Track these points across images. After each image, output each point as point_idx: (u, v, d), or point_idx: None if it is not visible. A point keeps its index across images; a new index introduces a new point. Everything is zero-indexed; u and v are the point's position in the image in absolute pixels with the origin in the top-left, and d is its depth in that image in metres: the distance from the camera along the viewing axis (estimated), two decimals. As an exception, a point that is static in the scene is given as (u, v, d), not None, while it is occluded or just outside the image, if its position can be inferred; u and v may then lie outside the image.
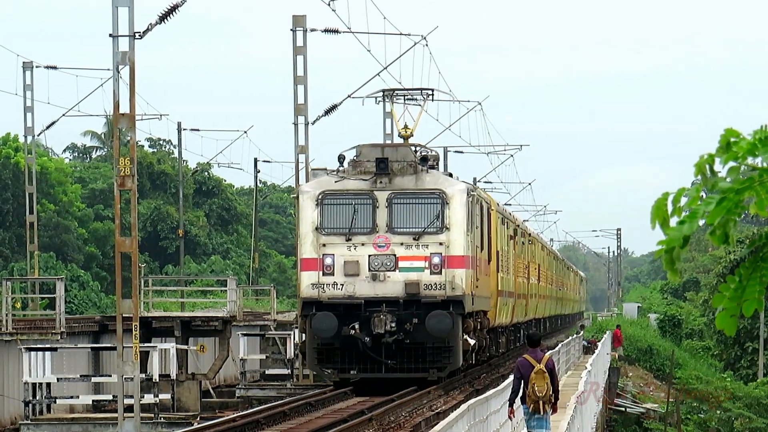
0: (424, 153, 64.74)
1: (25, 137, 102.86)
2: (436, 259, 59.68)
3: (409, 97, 67.03)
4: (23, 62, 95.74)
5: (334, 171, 60.05)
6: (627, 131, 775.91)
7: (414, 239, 59.83)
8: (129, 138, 50.45)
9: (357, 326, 58.59)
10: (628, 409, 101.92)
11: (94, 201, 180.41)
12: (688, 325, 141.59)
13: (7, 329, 62.97)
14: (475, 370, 69.62)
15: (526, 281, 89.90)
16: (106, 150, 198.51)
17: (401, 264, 60.05)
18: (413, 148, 63.21)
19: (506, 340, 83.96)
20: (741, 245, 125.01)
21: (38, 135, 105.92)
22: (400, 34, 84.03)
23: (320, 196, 59.78)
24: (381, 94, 66.56)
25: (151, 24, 50.76)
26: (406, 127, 63.24)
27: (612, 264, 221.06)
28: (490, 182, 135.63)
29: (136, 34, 49.31)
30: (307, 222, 60.28)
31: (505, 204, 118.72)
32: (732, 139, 10.03)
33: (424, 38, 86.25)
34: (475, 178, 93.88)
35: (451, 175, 63.69)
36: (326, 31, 73.30)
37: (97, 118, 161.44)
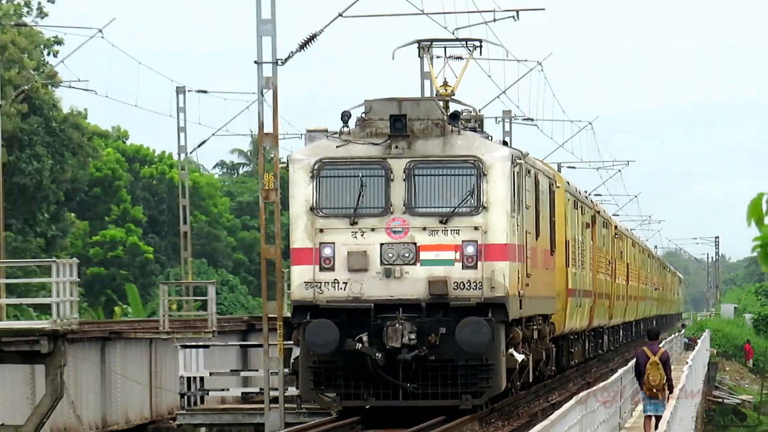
0: (457, 109, 42.03)
1: (179, 155, 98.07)
2: (470, 249, 38.74)
3: (452, 48, 46.90)
4: (177, 87, 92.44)
5: (336, 133, 39.75)
6: (729, 150, 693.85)
7: (441, 222, 38.83)
8: (272, 155, 47.94)
9: (365, 338, 38.01)
10: (725, 401, 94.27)
11: (241, 212, 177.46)
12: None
13: (164, 328, 62.80)
14: (535, 389, 50.13)
15: (610, 279, 70.33)
16: (251, 166, 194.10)
17: (424, 255, 38.89)
18: (441, 103, 41.07)
19: (582, 348, 62.36)
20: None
21: (190, 153, 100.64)
22: (518, 60, 76.32)
23: (317, 166, 38.99)
24: (417, 45, 46.56)
25: (292, 52, 49.71)
26: (445, 84, 42.96)
27: (710, 268, 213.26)
28: (600, 195, 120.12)
29: (279, 61, 48.02)
30: (300, 200, 39.24)
31: (614, 215, 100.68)
32: None
33: (540, 64, 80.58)
34: (585, 191, 71.98)
35: (482, 126, 42.89)
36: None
37: (243, 137, 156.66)
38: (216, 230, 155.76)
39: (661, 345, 39.60)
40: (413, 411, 36.37)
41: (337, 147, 37.13)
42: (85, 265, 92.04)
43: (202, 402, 52.11)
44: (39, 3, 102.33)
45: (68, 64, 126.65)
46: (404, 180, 37.00)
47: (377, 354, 36.33)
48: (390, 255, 37.03)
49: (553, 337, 46.94)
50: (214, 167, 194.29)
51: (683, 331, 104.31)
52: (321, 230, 37.12)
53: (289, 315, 48.49)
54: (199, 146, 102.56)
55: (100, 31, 71.29)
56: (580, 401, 31.54)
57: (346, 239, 36.92)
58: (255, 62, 47.39)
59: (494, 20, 58.87)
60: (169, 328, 63.84)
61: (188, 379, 51.81)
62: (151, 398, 62.69)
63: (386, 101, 37.50)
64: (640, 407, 41.14)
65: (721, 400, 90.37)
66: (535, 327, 42.38)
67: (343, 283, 36.95)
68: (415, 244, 37.04)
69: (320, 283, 36.92)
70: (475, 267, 36.94)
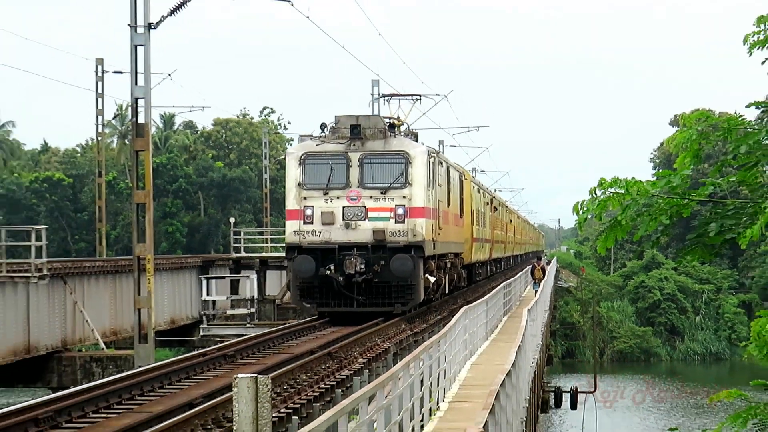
0: (393, 122, 28.76)
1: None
2: (400, 210, 26.65)
3: (402, 99, 33.75)
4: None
5: (317, 137, 27.68)
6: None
7: (381, 193, 26.76)
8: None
9: (332, 267, 26.33)
10: (562, 285, 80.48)
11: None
12: (585, 255, 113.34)
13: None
14: (447, 299, 35.06)
15: (503, 233, 58.80)
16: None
17: (370, 214, 26.69)
18: (384, 119, 28.56)
19: (485, 270, 50.58)
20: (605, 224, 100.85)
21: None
22: (479, 147, 57.74)
23: (302, 157, 27.08)
24: (382, 97, 34.63)
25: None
26: (398, 118, 30.68)
27: (557, 231, 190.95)
28: (511, 201, 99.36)
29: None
30: (292, 179, 27.21)
31: (516, 209, 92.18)
32: (602, 182, 9.39)
33: (487, 149, 76.33)
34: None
35: (417, 139, 30.02)
36: None
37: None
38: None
39: (541, 261, 40.25)
40: (363, 315, 26.83)
41: (316, 145, 27.33)
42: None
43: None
44: (284, 125, 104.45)
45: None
46: (359, 166, 26.85)
47: (340, 277, 26.44)
48: (349, 214, 26.71)
49: (464, 265, 38.47)
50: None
51: (543, 257, 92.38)
52: (305, 198, 26.92)
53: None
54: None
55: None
56: (503, 286, 29.03)
57: (321, 204, 26.84)
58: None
59: (469, 130, 53.24)
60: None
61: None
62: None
63: (349, 116, 27.63)
64: (529, 287, 39.80)
65: (561, 285, 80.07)
66: (448, 260, 33.34)
67: (318, 231, 26.65)
68: (365, 207, 26.77)
69: (303, 231, 26.69)
70: (403, 222, 26.70)
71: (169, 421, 12.54)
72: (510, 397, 14.48)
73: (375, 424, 10.14)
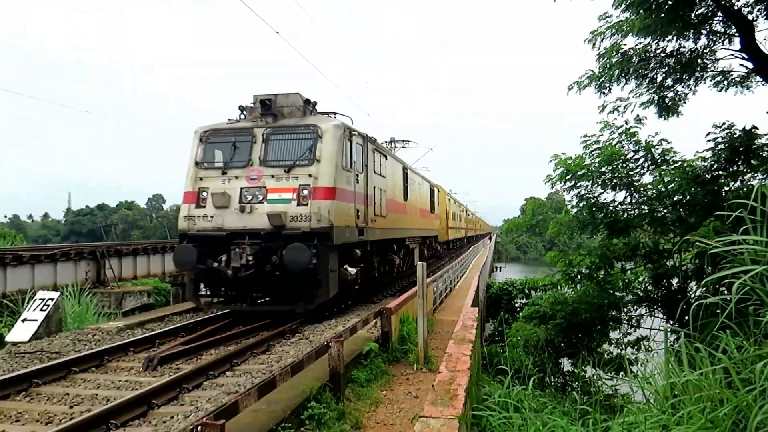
0: (311, 100, 11.89)
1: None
2: (305, 191, 9.27)
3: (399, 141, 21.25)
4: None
5: (234, 119, 11.07)
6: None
7: (285, 171, 9.51)
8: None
9: (223, 259, 9.05)
10: (497, 241, 78.20)
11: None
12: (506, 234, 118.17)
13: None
14: (432, 260, 20.25)
15: (473, 225, 55.38)
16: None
17: (270, 196, 9.51)
18: (304, 98, 11.37)
19: (461, 243, 38.96)
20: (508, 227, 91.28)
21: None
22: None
23: (206, 135, 10.13)
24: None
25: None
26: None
27: (498, 227, 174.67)
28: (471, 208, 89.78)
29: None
30: (191, 158, 10.55)
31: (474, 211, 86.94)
32: (507, 219, 16.43)
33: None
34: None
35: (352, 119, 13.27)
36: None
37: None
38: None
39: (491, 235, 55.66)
40: (264, 314, 10.21)
41: (227, 123, 11.19)
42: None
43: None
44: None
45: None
46: (263, 142, 10.50)
47: (228, 271, 10.20)
48: (247, 196, 10.15)
49: (441, 242, 23.82)
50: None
51: (491, 236, 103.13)
52: (200, 179, 10.57)
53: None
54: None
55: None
56: (482, 242, 39.86)
57: (217, 185, 10.41)
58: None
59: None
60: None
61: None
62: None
63: (265, 95, 11.74)
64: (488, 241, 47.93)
65: (497, 241, 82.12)
66: (415, 242, 16.08)
67: (210, 216, 10.26)
68: (265, 187, 10.22)
69: (194, 217, 10.26)
70: (306, 205, 10.13)
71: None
72: (484, 268, 22.40)
73: (444, 277, 12.71)
